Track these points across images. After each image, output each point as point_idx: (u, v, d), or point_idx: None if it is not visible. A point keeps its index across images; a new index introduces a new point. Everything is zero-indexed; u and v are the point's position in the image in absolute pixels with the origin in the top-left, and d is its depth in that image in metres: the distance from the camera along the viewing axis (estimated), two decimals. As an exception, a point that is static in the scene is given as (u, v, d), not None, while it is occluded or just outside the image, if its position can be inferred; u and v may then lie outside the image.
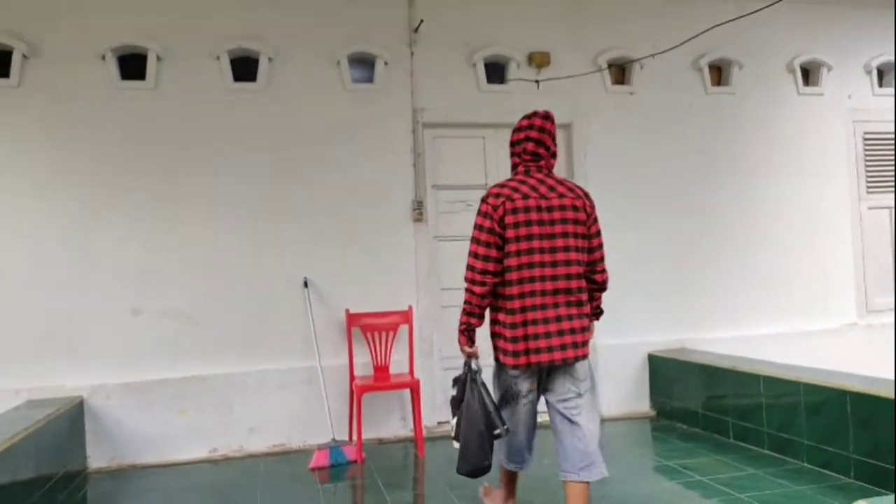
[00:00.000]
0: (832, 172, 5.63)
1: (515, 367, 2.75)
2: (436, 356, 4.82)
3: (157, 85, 4.47)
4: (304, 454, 4.28)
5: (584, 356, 2.79)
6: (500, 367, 2.86)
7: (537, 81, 5.05)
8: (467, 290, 2.80)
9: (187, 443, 4.33)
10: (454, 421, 2.89)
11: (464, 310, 2.83)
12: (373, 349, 4.57)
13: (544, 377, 2.83)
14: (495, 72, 5.09)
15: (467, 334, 2.86)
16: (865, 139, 5.71)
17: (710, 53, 5.35)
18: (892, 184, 5.72)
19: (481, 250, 2.75)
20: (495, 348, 2.83)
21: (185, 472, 4.12)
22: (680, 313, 5.22)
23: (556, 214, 2.75)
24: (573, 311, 2.76)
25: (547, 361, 2.72)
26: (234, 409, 4.43)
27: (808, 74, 5.67)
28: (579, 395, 2.80)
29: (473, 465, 2.79)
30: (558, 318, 2.72)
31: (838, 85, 5.68)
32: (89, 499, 3.79)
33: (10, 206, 4.25)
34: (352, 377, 4.51)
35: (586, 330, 2.80)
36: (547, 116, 2.94)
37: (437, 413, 4.80)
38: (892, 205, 5.73)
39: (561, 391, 2.81)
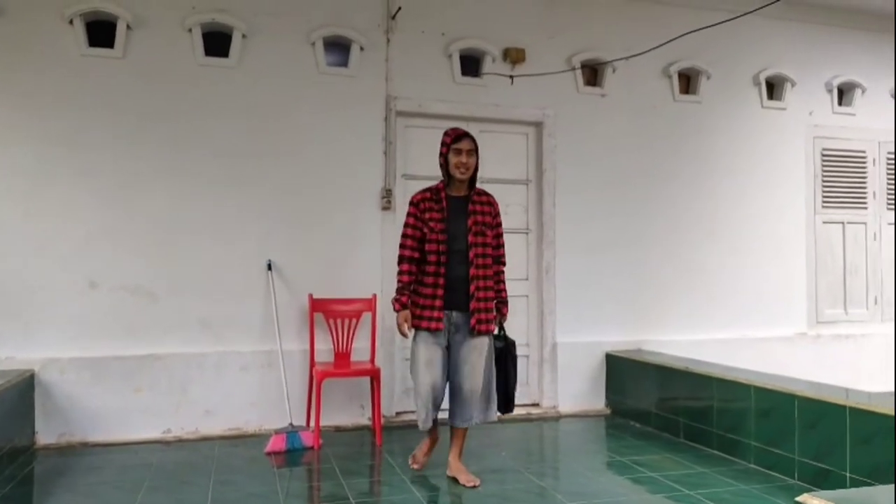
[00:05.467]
0: (791, 185, 5.81)
1: None
2: (397, 346, 4.82)
3: (125, 54, 4.35)
4: (260, 438, 4.24)
5: None
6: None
7: (511, 77, 5.09)
8: (504, 277, 3.64)
9: (140, 422, 4.25)
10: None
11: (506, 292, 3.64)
12: (335, 335, 4.55)
13: None
14: (470, 65, 5.10)
15: None
16: (823, 155, 5.90)
17: (680, 61, 5.46)
18: (846, 200, 5.94)
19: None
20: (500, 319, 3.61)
21: (135, 452, 4.03)
22: (638, 315, 5.33)
23: None
24: None
25: None
26: (190, 389, 4.36)
27: (773, 89, 5.82)
28: None
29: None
30: None
31: (801, 101, 5.85)
32: (36, 475, 3.67)
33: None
34: (312, 363, 4.48)
35: None
36: None
37: (397, 403, 4.81)
38: (845, 220, 5.94)
39: None
